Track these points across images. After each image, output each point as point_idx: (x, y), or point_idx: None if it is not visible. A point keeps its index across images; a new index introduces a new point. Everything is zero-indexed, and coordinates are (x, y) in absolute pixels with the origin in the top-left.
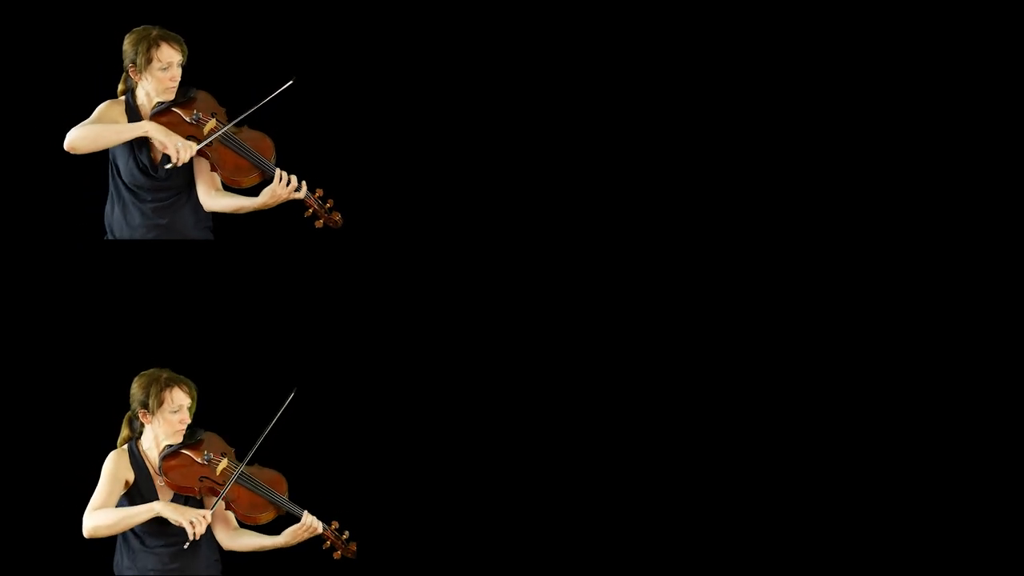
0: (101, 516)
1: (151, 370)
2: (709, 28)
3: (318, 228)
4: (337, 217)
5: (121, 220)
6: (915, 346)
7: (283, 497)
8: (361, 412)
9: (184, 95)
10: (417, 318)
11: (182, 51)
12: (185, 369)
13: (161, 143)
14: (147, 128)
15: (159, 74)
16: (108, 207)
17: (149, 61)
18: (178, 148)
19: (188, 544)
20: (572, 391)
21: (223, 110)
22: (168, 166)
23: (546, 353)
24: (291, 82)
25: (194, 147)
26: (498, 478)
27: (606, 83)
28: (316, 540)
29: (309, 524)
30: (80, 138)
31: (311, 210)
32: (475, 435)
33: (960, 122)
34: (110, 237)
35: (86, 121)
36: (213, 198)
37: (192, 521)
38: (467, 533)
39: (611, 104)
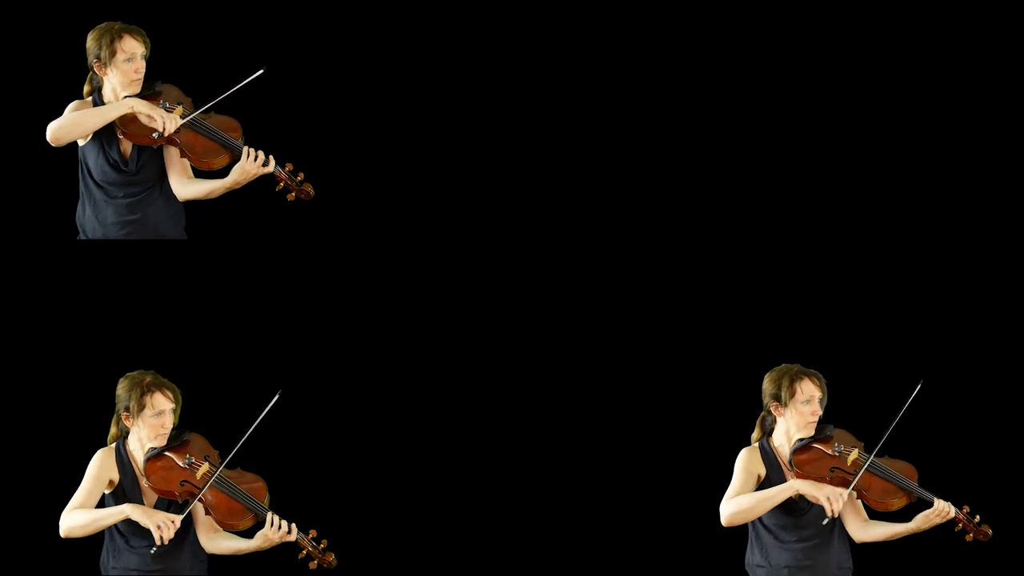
0: (76, 516)
1: (136, 373)
2: (698, 28)
3: (290, 201)
4: (309, 188)
5: (93, 219)
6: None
7: (261, 504)
8: (345, 407)
9: (149, 88)
10: (396, 300)
11: (145, 43)
12: (165, 365)
13: (148, 116)
14: (132, 104)
15: (124, 66)
16: (79, 208)
17: (113, 54)
18: (164, 121)
19: (155, 549)
20: (551, 375)
21: (189, 99)
22: (156, 135)
23: (525, 332)
24: (260, 72)
25: (178, 119)
26: (479, 477)
27: (580, 63)
28: (293, 549)
29: (279, 527)
30: (61, 127)
31: (282, 183)
32: (461, 426)
33: (958, 119)
34: (82, 237)
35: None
36: (185, 186)
37: (160, 525)
38: (445, 536)
39: (587, 84)
